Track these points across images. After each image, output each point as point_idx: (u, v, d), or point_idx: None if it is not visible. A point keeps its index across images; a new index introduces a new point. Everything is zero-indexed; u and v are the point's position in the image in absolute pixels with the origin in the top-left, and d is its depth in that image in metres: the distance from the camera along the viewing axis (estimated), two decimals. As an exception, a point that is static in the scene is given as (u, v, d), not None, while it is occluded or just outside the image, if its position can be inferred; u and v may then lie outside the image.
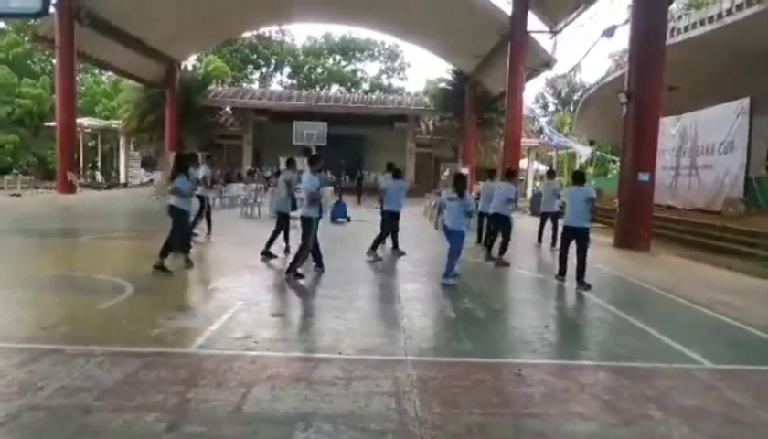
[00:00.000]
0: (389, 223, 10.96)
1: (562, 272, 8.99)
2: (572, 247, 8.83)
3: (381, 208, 11.06)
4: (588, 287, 8.30)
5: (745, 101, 16.63)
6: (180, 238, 8.93)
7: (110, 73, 44.16)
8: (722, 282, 9.60)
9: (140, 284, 7.45)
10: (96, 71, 47.88)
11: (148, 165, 38.61)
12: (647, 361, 5.21)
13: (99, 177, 36.05)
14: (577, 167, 32.85)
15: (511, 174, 12.44)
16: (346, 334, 5.74)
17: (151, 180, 33.65)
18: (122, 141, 38.57)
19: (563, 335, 6.10)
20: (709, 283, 9.43)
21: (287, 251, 10.27)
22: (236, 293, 7.60)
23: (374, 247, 10.63)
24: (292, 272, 8.22)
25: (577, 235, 8.75)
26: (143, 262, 9.55)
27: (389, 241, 11.19)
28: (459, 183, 8.69)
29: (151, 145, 37.14)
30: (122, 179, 37.63)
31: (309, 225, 8.29)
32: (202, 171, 11.79)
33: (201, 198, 11.75)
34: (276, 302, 6.98)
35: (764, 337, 6.16)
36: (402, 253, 11.08)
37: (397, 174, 11.34)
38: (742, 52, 16.99)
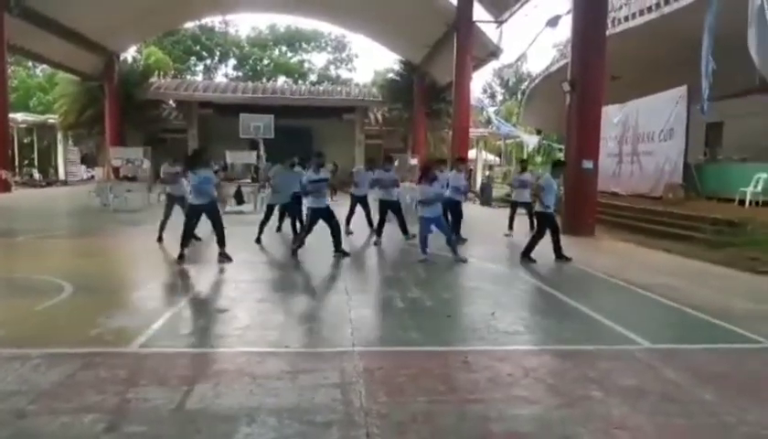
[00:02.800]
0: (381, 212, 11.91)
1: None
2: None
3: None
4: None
5: (683, 89, 17.09)
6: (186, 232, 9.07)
7: (44, 66, 42.58)
8: (662, 265, 9.88)
9: (80, 284, 7.22)
10: (29, 64, 46.04)
11: (89, 161, 37.45)
12: (590, 344, 5.31)
13: (36, 175, 34.66)
14: (525, 156, 33.35)
15: (460, 162, 13.35)
16: (294, 327, 5.70)
17: (92, 177, 32.64)
18: (59, 136, 37.12)
19: (509, 321, 6.16)
20: (649, 266, 9.69)
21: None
22: (181, 289, 7.48)
23: (378, 233, 11.64)
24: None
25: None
26: (83, 262, 9.29)
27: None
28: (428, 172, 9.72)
29: (90, 140, 35.97)
30: (62, 176, 36.33)
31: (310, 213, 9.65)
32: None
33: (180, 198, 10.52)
34: (222, 297, 6.86)
35: (700, 317, 6.36)
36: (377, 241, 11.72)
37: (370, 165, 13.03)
38: (680, 41, 17.44)
